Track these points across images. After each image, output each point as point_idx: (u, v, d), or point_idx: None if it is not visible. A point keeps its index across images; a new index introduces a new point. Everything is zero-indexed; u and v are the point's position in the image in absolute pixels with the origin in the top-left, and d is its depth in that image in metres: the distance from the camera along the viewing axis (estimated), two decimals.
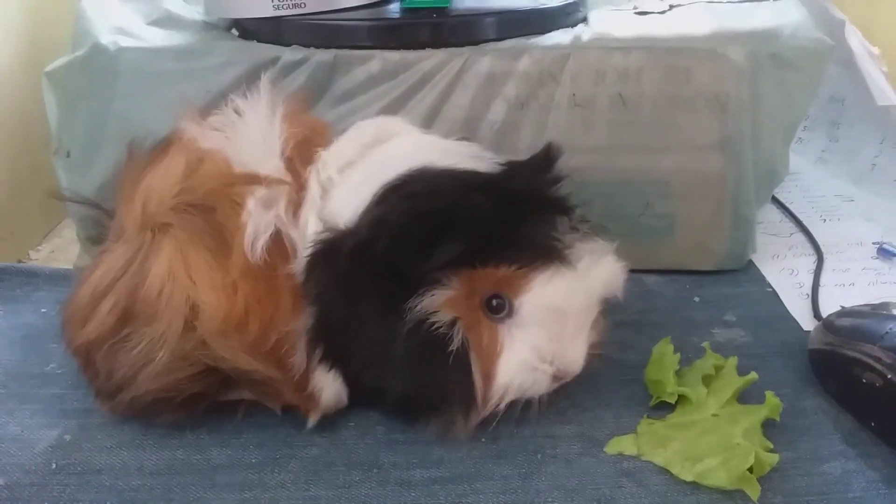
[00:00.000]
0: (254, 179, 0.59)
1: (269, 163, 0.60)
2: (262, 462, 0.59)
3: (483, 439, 0.61)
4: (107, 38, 0.78)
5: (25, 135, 0.95)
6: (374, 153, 0.62)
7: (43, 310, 0.78)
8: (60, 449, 0.60)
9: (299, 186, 0.61)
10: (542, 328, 0.57)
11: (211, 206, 0.58)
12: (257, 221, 0.57)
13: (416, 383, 0.57)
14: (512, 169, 0.60)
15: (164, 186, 0.59)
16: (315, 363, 0.59)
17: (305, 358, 0.58)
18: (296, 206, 0.60)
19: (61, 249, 0.96)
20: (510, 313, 0.57)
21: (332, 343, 0.58)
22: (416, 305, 0.55)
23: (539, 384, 0.59)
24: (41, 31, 0.97)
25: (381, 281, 0.56)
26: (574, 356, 0.59)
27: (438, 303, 0.55)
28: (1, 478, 0.58)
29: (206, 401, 0.61)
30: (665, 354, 0.66)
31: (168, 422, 0.61)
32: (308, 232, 0.59)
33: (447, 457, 0.60)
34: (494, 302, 0.57)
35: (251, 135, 0.61)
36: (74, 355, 0.62)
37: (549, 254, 0.57)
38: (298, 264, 0.58)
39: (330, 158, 0.62)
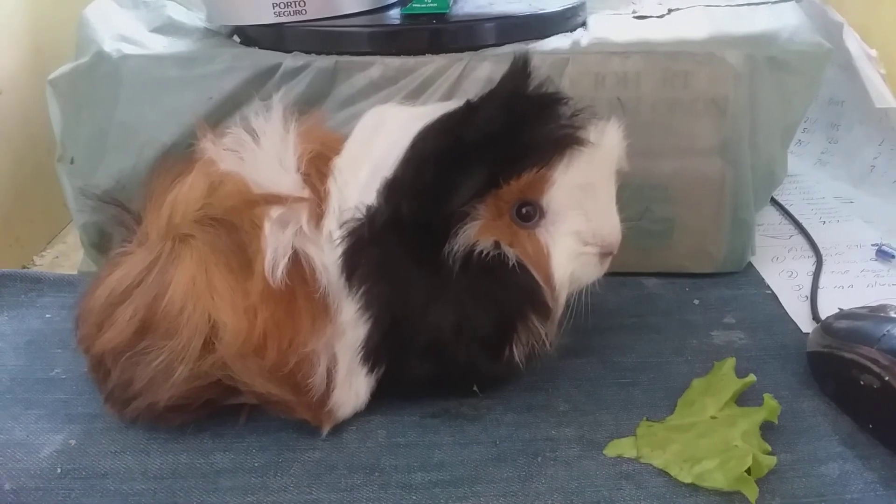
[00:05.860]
0: (274, 199, 0.59)
1: (286, 180, 0.60)
2: (264, 466, 0.60)
3: (485, 442, 0.62)
4: (110, 46, 0.78)
5: (30, 141, 0.96)
6: (375, 147, 0.62)
7: (47, 315, 0.78)
8: (65, 454, 0.61)
9: (320, 199, 0.61)
10: (575, 211, 0.58)
11: (233, 223, 0.59)
12: (275, 245, 0.57)
13: (490, 314, 0.58)
14: (493, 89, 0.59)
15: (189, 199, 0.60)
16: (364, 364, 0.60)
17: (325, 379, 0.59)
18: (318, 218, 0.60)
19: (65, 255, 0.97)
20: (542, 215, 0.58)
21: (396, 325, 0.59)
22: (455, 246, 0.56)
23: (590, 267, 0.60)
24: (45, 38, 0.98)
25: (418, 244, 0.57)
26: (611, 226, 0.60)
27: (474, 233, 0.56)
28: (7, 482, 0.58)
29: (217, 405, 0.62)
30: (726, 376, 0.65)
31: (174, 425, 0.62)
32: (332, 238, 0.59)
33: (448, 460, 0.60)
34: (524, 210, 0.58)
35: (266, 155, 0.61)
36: (86, 356, 0.63)
37: (560, 143, 0.57)
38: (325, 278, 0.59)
39: (343, 164, 0.62)
